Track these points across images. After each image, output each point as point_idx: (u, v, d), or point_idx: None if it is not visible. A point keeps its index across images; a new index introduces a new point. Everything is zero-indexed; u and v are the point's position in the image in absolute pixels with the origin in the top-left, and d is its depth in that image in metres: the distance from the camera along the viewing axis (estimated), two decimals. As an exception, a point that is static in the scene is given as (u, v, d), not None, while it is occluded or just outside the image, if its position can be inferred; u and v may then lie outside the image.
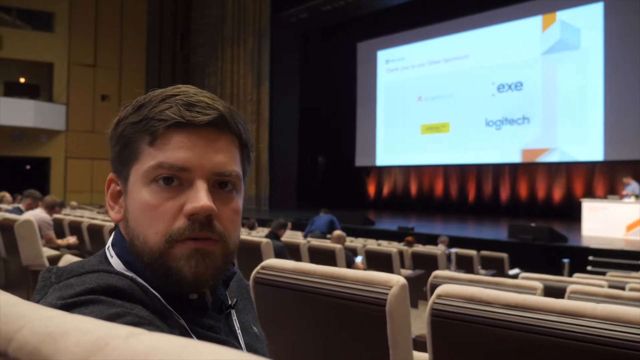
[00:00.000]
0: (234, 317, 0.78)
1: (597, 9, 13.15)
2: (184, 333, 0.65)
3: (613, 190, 12.37)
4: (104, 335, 0.30)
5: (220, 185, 0.69)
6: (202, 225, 0.65)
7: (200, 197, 0.65)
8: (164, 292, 0.67)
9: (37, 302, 0.60)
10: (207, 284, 0.68)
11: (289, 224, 7.13)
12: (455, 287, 1.16)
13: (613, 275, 5.84)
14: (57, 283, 0.62)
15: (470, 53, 15.66)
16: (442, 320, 1.14)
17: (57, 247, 4.77)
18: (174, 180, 0.66)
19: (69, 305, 0.56)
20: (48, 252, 3.80)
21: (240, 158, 0.72)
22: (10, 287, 3.56)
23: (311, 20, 17.98)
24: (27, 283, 3.34)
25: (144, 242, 0.66)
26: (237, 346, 0.74)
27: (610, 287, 3.22)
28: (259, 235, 5.73)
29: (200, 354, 0.28)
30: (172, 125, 0.66)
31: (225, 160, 0.68)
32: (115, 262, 0.69)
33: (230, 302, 0.77)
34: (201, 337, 0.68)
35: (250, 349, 0.77)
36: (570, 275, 6.75)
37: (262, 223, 9.86)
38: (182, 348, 0.28)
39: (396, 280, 1.19)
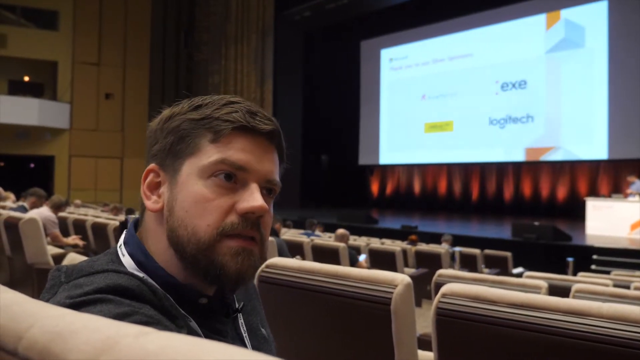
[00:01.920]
0: (241, 321, 0.79)
1: (602, 7, 13.09)
2: (192, 334, 0.66)
3: (617, 189, 12.32)
4: (113, 334, 0.30)
5: (265, 191, 0.73)
6: (253, 224, 0.70)
7: (257, 198, 0.69)
8: (173, 295, 0.67)
9: (47, 301, 0.60)
10: (246, 282, 0.71)
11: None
12: (460, 286, 1.16)
13: (617, 274, 5.83)
14: (67, 283, 0.62)
15: (474, 51, 15.62)
16: (447, 319, 1.14)
17: (62, 246, 4.79)
18: (231, 177, 0.69)
19: (77, 304, 0.57)
20: (52, 250, 3.81)
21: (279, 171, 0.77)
22: (15, 285, 3.58)
23: (315, 19, 17.97)
24: (32, 281, 3.35)
25: (192, 232, 0.68)
26: None
27: (615, 286, 3.20)
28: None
29: (211, 352, 0.28)
30: (237, 128, 0.70)
31: (274, 169, 0.74)
32: (127, 262, 0.69)
33: (237, 306, 0.78)
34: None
35: (257, 351, 0.77)
36: (574, 274, 6.74)
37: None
38: (192, 347, 0.28)
39: (401, 279, 1.19)
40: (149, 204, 0.73)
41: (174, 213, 0.70)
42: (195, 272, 0.69)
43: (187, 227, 0.68)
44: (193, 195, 0.69)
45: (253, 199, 0.69)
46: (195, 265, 0.68)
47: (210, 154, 0.69)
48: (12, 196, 7.73)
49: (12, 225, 3.46)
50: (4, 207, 5.27)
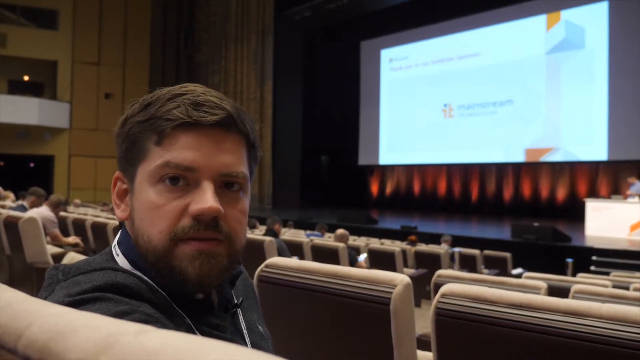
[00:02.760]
0: (240, 316, 0.78)
1: (602, 8, 13.09)
2: (190, 332, 0.66)
3: (617, 190, 12.32)
4: (113, 332, 0.30)
5: (227, 185, 0.68)
6: (208, 225, 0.65)
7: (207, 199, 0.64)
8: (170, 291, 0.67)
9: (45, 299, 0.60)
10: (212, 284, 0.68)
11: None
12: (459, 286, 1.16)
13: (617, 275, 5.83)
14: (64, 280, 0.62)
15: (474, 52, 15.62)
16: (446, 319, 1.14)
17: (61, 245, 4.78)
18: (180, 180, 0.65)
19: (76, 303, 0.57)
20: (52, 249, 3.81)
21: (247, 158, 0.72)
22: (14, 284, 3.57)
23: (315, 19, 17.97)
24: (31, 280, 3.35)
25: (148, 241, 0.66)
26: (242, 345, 0.74)
27: (614, 287, 3.21)
28: (261, 233, 5.74)
29: (210, 351, 0.28)
30: (180, 125, 0.65)
31: (232, 161, 0.68)
32: (122, 261, 0.69)
33: (236, 301, 0.78)
34: (207, 336, 0.67)
35: (256, 347, 0.78)
36: (573, 275, 6.74)
37: (265, 221, 9.87)
38: (192, 345, 0.28)
39: (400, 279, 1.19)
40: (117, 212, 0.72)
41: (134, 222, 0.68)
42: (161, 279, 0.66)
43: (143, 236, 0.66)
44: (145, 203, 0.66)
45: (203, 200, 0.64)
46: (159, 272, 0.66)
47: (155, 158, 0.66)
48: (11, 195, 7.73)
49: (11, 225, 3.46)
50: (3, 207, 5.27)
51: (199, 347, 0.28)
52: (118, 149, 0.71)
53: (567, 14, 13.79)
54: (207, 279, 0.66)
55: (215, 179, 0.66)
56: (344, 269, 1.29)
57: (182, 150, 0.65)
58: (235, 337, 0.74)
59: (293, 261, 1.39)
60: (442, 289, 1.17)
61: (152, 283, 0.66)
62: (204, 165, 0.65)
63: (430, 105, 16.63)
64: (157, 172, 0.65)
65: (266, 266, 1.39)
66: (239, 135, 0.70)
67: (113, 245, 0.72)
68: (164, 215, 0.65)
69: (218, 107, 0.67)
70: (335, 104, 19.42)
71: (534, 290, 2.04)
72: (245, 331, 0.77)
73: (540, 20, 14.26)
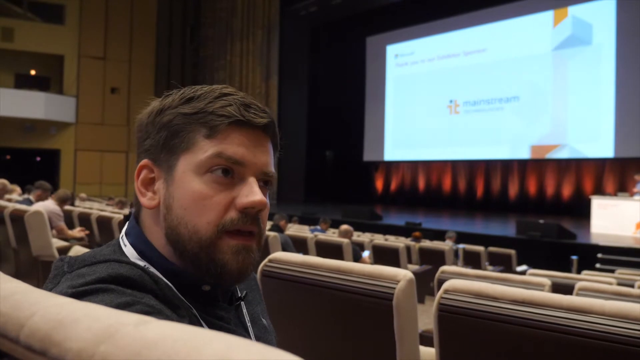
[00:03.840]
0: (244, 309, 0.79)
1: (610, 4, 12.98)
2: (194, 322, 0.67)
3: (623, 188, 12.25)
4: (114, 323, 0.31)
5: (262, 183, 0.73)
6: (253, 219, 0.70)
7: (256, 192, 0.69)
8: (176, 283, 0.68)
9: (50, 290, 0.61)
10: (247, 277, 0.72)
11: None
12: (463, 282, 1.16)
13: (622, 273, 5.81)
14: (69, 272, 0.63)
15: (480, 48, 15.54)
16: (449, 315, 1.14)
17: (67, 239, 4.81)
18: (229, 172, 0.69)
19: (79, 294, 0.57)
20: (57, 242, 3.84)
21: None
22: (20, 277, 3.59)
23: (320, 14, 17.92)
24: (37, 273, 3.38)
25: (193, 230, 0.68)
26: (246, 337, 0.75)
27: (619, 284, 3.19)
28: (266, 228, 5.77)
29: (210, 341, 0.28)
30: (232, 122, 0.70)
31: (270, 160, 0.74)
32: (129, 251, 0.70)
33: (240, 294, 0.79)
34: (211, 326, 0.69)
35: (259, 340, 0.79)
36: (578, 272, 6.72)
37: (269, 217, 9.88)
38: (191, 336, 0.29)
39: (404, 274, 1.19)
40: (144, 200, 0.72)
41: (172, 211, 0.69)
42: (196, 269, 0.69)
43: (187, 225, 0.68)
44: (191, 193, 0.68)
45: (252, 193, 0.69)
46: (197, 262, 0.68)
47: (205, 150, 0.68)
48: (18, 189, 7.78)
49: (17, 218, 3.49)
50: (10, 200, 5.31)
51: (199, 338, 0.29)
52: (150, 138, 0.72)
53: (574, 10, 13.69)
54: (246, 273, 0.70)
55: (257, 176, 0.71)
56: (347, 264, 1.29)
57: (233, 145, 0.69)
58: (238, 329, 0.75)
59: (296, 256, 1.39)
60: (445, 285, 1.17)
61: (157, 274, 0.66)
62: (251, 161, 0.70)
63: (435, 101, 16.56)
64: (206, 162, 0.68)
65: (270, 261, 1.40)
66: (272, 139, 0.76)
67: (121, 235, 0.73)
68: (212, 206, 0.68)
69: (263, 111, 0.74)
70: (341, 100, 19.38)
71: (538, 287, 2.04)
72: (249, 324, 0.78)
73: (547, 16, 14.16)
